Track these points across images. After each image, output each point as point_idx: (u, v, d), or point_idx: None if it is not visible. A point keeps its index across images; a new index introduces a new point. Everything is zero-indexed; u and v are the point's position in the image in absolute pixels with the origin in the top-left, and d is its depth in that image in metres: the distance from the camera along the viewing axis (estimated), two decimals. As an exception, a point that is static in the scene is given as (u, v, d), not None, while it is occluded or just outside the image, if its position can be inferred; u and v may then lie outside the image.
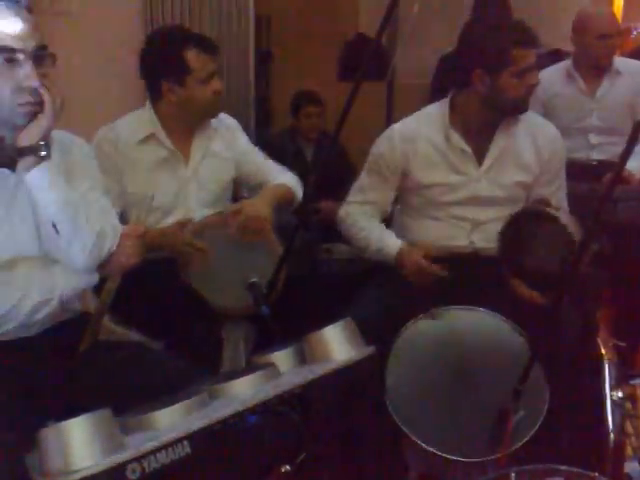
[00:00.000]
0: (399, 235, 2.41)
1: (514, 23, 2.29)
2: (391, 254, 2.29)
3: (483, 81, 2.19)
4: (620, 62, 3.27)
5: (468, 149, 2.28)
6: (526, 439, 1.92)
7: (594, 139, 3.20)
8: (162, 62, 2.28)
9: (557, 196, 2.32)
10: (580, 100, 3.21)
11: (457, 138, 2.28)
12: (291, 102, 3.94)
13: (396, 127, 2.39)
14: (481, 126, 2.29)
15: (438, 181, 2.30)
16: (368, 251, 2.37)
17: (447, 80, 2.38)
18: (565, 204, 2.35)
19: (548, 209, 2.05)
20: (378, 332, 1.98)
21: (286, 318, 2.02)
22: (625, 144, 1.63)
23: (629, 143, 1.61)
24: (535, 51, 2.18)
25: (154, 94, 2.33)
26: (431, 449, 1.93)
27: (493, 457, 1.88)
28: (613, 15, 3.24)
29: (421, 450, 1.95)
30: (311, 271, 2.70)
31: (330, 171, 3.49)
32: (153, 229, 2.20)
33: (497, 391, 1.91)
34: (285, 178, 2.51)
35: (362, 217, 2.41)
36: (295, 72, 4.49)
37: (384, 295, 2.27)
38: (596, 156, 3.18)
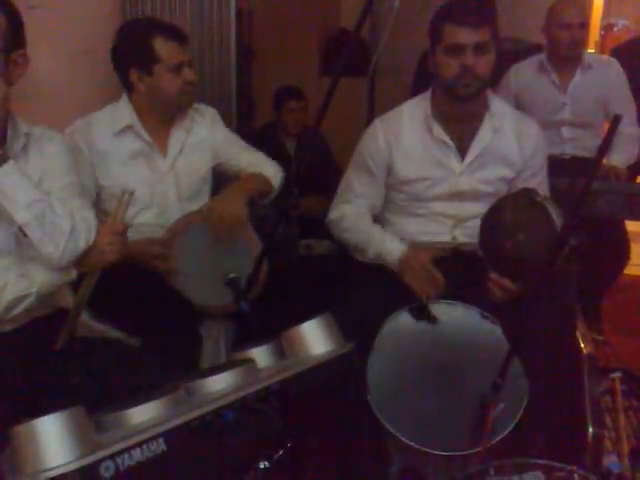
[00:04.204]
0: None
1: (452, 1, 2.26)
2: (394, 257, 2.24)
3: (433, 65, 2.21)
4: (591, 57, 3.34)
5: (450, 142, 2.27)
6: (506, 433, 1.93)
7: (567, 133, 3.24)
8: (130, 51, 2.26)
9: (540, 190, 2.32)
10: (552, 93, 3.26)
11: (439, 130, 2.27)
12: (273, 97, 3.93)
13: (379, 121, 2.37)
14: (455, 117, 2.27)
15: (420, 175, 2.28)
16: (367, 254, 2.32)
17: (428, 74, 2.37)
18: None
19: (536, 197, 2.04)
20: (359, 327, 1.99)
21: (266, 314, 2.01)
22: (602, 138, 1.64)
23: (607, 137, 1.61)
24: (469, 28, 2.12)
25: (127, 86, 2.31)
26: (412, 444, 1.93)
27: (473, 451, 1.88)
28: (579, 5, 3.28)
29: (402, 445, 1.95)
30: (291, 267, 2.69)
31: (312, 166, 3.53)
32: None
33: (477, 385, 1.91)
34: (264, 167, 2.48)
35: (357, 219, 2.36)
36: (277, 66, 4.47)
37: (365, 290, 2.26)
38: (569, 150, 3.23)
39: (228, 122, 3.16)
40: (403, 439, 1.94)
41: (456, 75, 2.15)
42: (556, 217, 1.94)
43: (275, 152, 3.74)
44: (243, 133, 3.58)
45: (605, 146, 1.61)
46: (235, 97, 3.36)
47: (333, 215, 2.43)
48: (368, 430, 2.03)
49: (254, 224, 2.34)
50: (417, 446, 1.93)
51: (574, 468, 1.58)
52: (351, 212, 2.38)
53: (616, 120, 1.60)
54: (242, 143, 2.55)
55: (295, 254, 3.06)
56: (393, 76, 4.05)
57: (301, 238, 3.15)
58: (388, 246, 2.27)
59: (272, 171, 2.49)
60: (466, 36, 2.11)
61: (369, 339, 2.07)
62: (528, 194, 2.08)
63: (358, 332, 1.92)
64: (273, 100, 3.92)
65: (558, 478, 1.58)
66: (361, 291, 2.26)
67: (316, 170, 3.54)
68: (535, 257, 1.97)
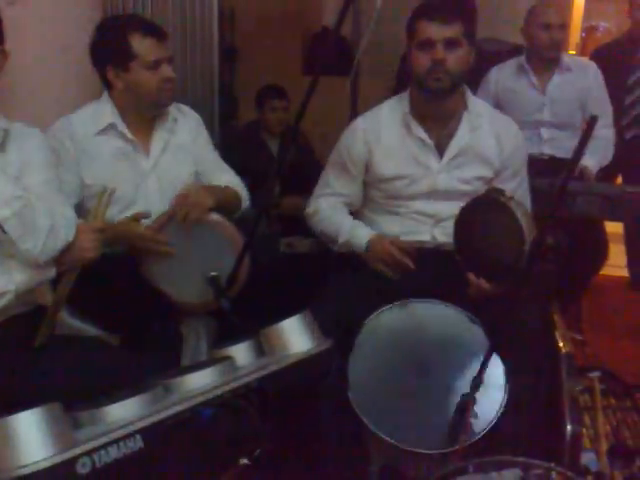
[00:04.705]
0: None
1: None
2: (361, 242, 2.29)
3: (409, 62, 2.24)
4: (570, 59, 3.39)
5: (428, 140, 2.28)
6: (485, 431, 1.93)
7: (545, 133, 3.28)
8: (107, 48, 2.24)
9: (518, 192, 2.32)
10: (531, 94, 3.31)
11: (418, 128, 2.28)
12: (256, 96, 3.92)
13: (359, 119, 2.39)
14: (433, 116, 2.29)
15: (399, 173, 2.29)
16: (338, 243, 2.36)
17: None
18: (528, 201, 2.36)
19: (500, 197, 2.06)
20: (340, 326, 2.00)
21: (248, 312, 2.01)
22: (578, 139, 1.66)
23: (583, 137, 1.63)
24: (440, 24, 2.16)
25: (105, 83, 2.30)
26: (392, 441, 1.94)
27: (453, 449, 1.89)
28: (558, 7, 3.33)
29: (383, 443, 1.96)
30: (273, 265, 2.69)
31: (294, 165, 3.53)
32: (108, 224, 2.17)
33: (457, 383, 1.92)
34: (234, 184, 2.49)
35: (332, 211, 2.41)
36: (260, 65, 4.47)
37: (346, 289, 2.26)
38: (548, 151, 3.27)
39: (211, 121, 3.17)
40: (383, 437, 1.94)
41: (427, 69, 2.18)
42: (521, 216, 1.96)
43: (258, 151, 3.78)
44: (226, 132, 3.60)
45: (581, 147, 1.63)
46: (218, 96, 3.35)
47: (310, 209, 2.47)
48: (349, 428, 2.03)
49: (238, 224, 2.34)
50: (397, 444, 1.93)
51: (552, 465, 1.59)
52: (326, 205, 2.42)
53: (592, 121, 1.62)
54: (217, 156, 2.55)
55: (277, 252, 3.06)
56: (376, 75, 4.07)
57: (283, 236, 3.16)
58: (356, 232, 2.32)
59: (241, 189, 2.50)
60: (436, 31, 2.15)
61: (350, 337, 2.08)
62: (493, 195, 2.09)
63: (339, 330, 1.93)
64: (255, 99, 3.92)
65: (536, 475, 1.58)
66: (342, 289, 2.26)
67: (298, 169, 3.54)
68: (505, 257, 1.99)
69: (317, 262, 2.50)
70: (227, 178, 2.49)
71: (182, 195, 2.25)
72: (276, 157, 3.79)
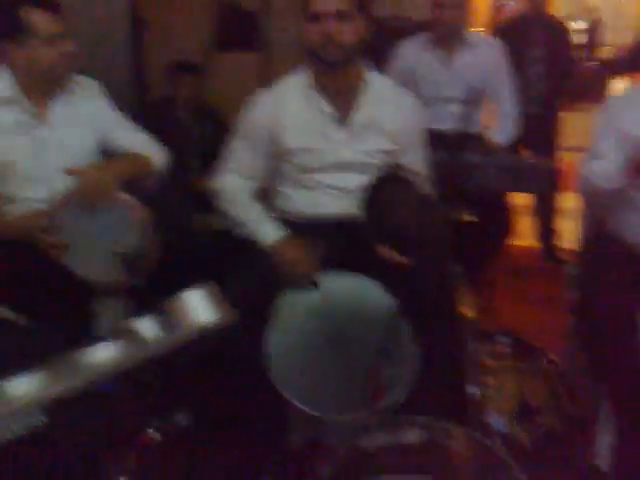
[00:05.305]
0: (275, 204, 2.42)
1: None
2: (267, 242, 2.26)
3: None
4: (476, 37, 3.47)
5: (332, 113, 2.28)
6: (400, 397, 1.98)
7: (453, 109, 3.32)
8: (1, 23, 2.19)
9: (417, 164, 2.36)
10: (438, 70, 3.36)
11: (321, 101, 2.28)
12: (167, 70, 3.86)
13: (264, 92, 2.37)
14: (333, 88, 2.29)
15: (305, 146, 2.29)
16: (242, 229, 2.33)
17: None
18: (425, 172, 2.39)
19: (400, 173, 2.10)
20: (257, 299, 2.01)
21: (162, 289, 2.00)
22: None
23: (465, 111, 1.68)
24: None
25: (1, 57, 2.24)
26: (312, 412, 1.97)
27: (366, 415, 1.93)
28: None
29: (303, 414, 1.99)
30: (186, 242, 2.68)
31: (210, 142, 3.50)
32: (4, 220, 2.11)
33: (369, 352, 1.97)
34: (149, 149, 2.45)
35: (237, 194, 2.37)
36: (171, 39, 4.38)
37: (261, 262, 2.27)
38: (454, 126, 3.31)
39: (121, 95, 3.10)
40: (302, 407, 1.97)
41: (318, 42, 2.18)
42: (423, 190, 2.02)
43: (171, 126, 3.73)
44: (136, 106, 3.53)
45: (466, 121, 1.67)
46: (128, 70, 3.29)
47: (215, 184, 2.42)
48: (268, 400, 2.05)
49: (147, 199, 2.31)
50: (317, 414, 1.97)
51: (453, 425, 1.66)
52: (232, 185, 2.38)
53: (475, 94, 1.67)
54: (127, 122, 2.50)
55: (190, 229, 3.05)
56: (291, 50, 4.05)
57: (197, 213, 3.13)
58: (263, 229, 2.28)
59: (156, 154, 2.46)
60: (325, 3, 2.14)
61: (266, 310, 2.09)
62: (393, 170, 2.14)
63: (255, 303, 1.95)
64: (167, 74, 3.86)
65: (437, 432, 1.65)
66: (258, 262, 2.26)
67: (214, 145, 3.52)
68: (412, 229, 2.04)
69: (231, 238, 2.49)
70: (133, 137, 2.46)
71: (82, 181, 2.18)
72: (192, 134, 3.75)
